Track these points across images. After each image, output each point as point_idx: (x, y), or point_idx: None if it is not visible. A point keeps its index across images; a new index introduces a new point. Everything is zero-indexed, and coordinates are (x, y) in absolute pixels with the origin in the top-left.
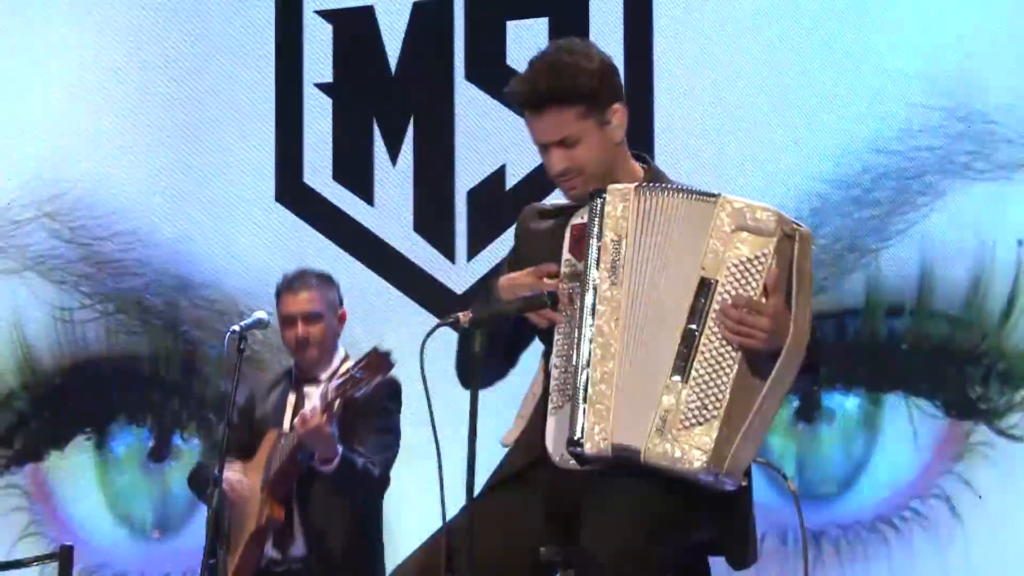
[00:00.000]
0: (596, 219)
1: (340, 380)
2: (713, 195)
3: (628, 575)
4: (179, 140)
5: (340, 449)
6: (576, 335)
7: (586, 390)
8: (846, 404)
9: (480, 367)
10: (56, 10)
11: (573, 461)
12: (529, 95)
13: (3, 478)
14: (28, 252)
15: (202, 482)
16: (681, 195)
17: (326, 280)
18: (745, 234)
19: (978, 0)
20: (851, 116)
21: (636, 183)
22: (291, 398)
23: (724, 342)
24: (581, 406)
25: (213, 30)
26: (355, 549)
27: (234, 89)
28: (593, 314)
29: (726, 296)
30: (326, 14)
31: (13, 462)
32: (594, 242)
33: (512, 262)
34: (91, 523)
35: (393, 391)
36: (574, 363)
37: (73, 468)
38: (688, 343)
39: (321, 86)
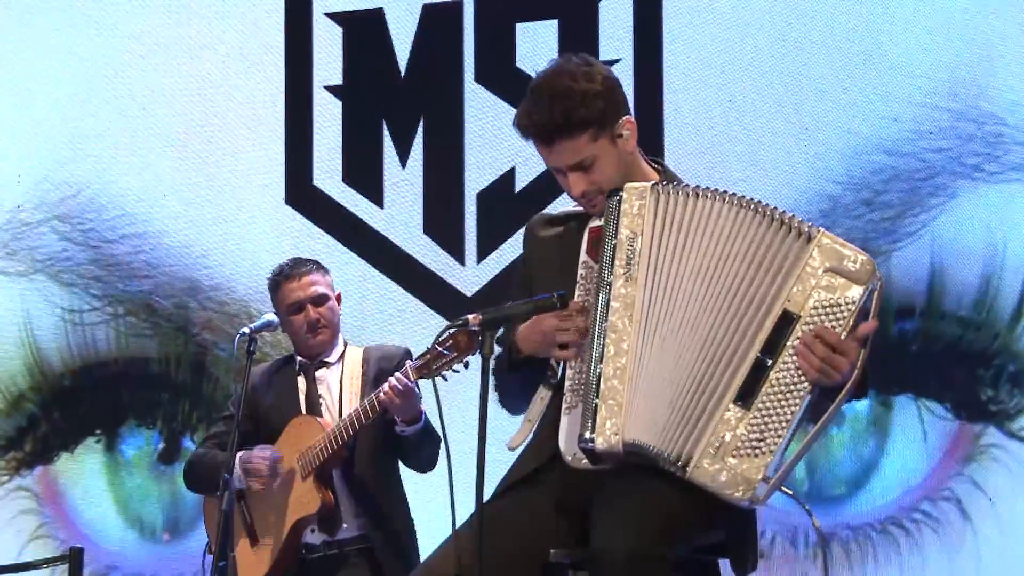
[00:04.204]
0: (612, 217)
1: (422, 361)
2: (813, 230)
3: (637, 574)
4: (189, 143)
5: (423, 408)
6: (591, 333)
7: (599, 386)
8: (856, 406)
9: (495, 366)
10: (65, 14)
11: (586, 461)
12: (537, 130)
13: (13, 480)
14: (38, 254)
15: (198, 476)
16: (738, 208)
17: (320, 265)
18: (836, 276)
19: (989, 2)
20: (862, 117)
21: (652, 182)
22: (300, 384)
23: (797, 378)
24: (593, 402)
25: (222, 33)
26: (396, 526)
27: (244, 91)
28: (607, 310)
29: (807, 333)
30: (336, 16)
31: (23, 464)
32: (609, 239)
33: (524, 275)
34: (101, 525)
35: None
36: (588, 360)
37: (83, 470)
38: (758, 372)
39: (331, 88)
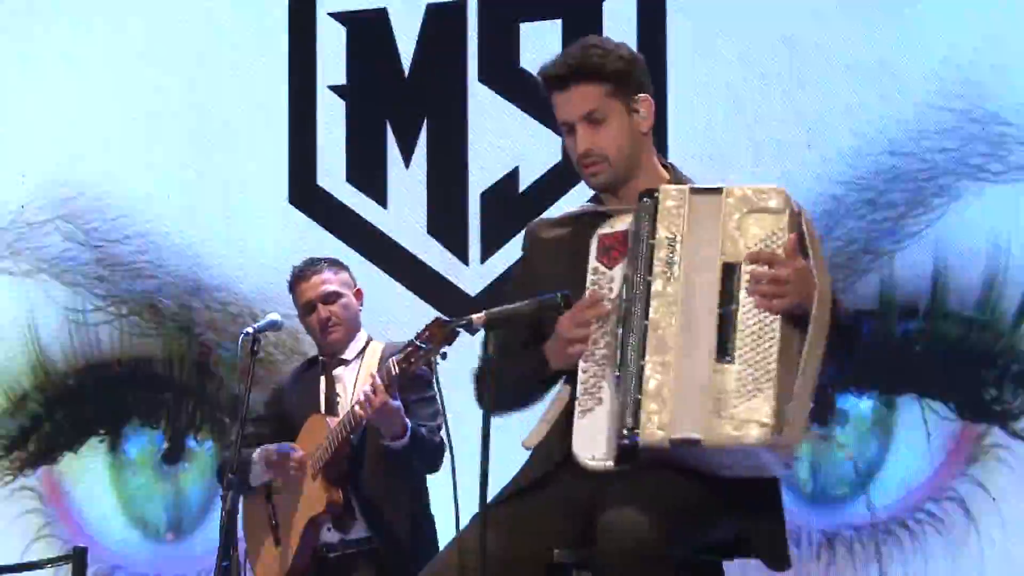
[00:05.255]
0: (648, 217)
1: (402, 355)
2: (718, 187)
3: (640, 573)
4: (193, 142)
5: (409, 422)
6: (618, 333)
7: (640, 381)
8: (860, 406)
9: (496, 371)
10: (70, 14)
11: (607, 463)
12: (557, 70)
13: (17, 480)
14: (42, 254)
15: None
16: (697, 194)
17: (335, 263)
18: (757, 215)
19: (992, 2)
20: (865, 118)
21: (689, 185)
22: (321, 383)
23: (761, 316)
24: (635, 397)
25: (227, 33)
26: (409, 525)
27: (248, 91)
28: (647, 308)
29: (754, 270)
30: (339, 16)
31: (27, 464)
32: (645, 239)
33: (524, 279)
34: (105, 525)
35: None
36: (622, 358)
37: (87, 470)
38: (725, 326)
39: (335, 88)
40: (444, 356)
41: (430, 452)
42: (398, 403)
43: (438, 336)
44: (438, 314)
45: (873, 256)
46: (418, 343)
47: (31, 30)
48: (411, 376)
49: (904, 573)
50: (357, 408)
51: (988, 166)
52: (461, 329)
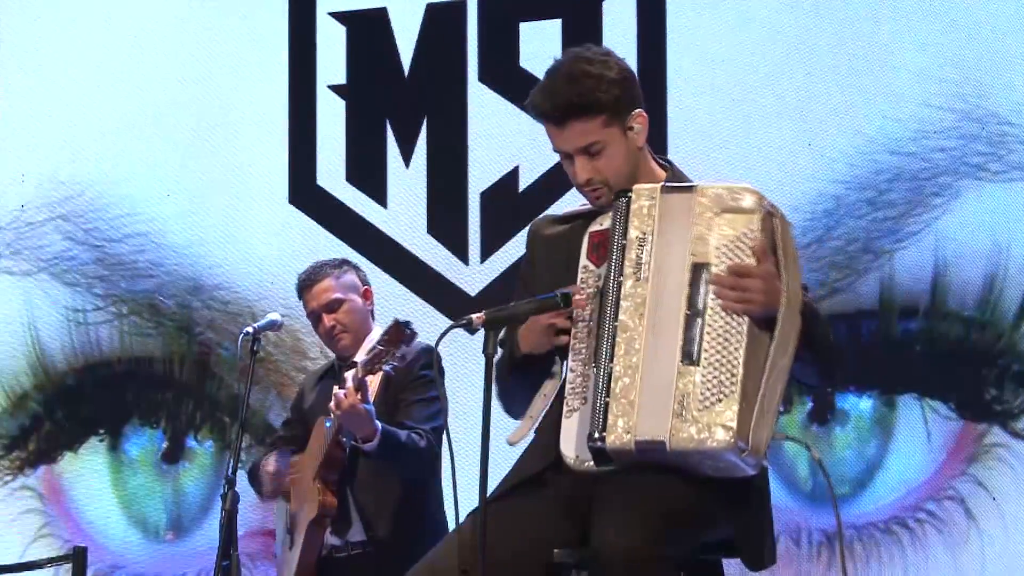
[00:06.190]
0: (621, 217)
1: (367, 357)
2: (691, 185)
3: (638, 574)
4: (192, 142)
5: (379, 425)
6: (596, 334)
7: (609, 385)
8: (860, 405)
9: (496, 369)
10: (70, 14)
11: (589, 463)
12: (550, 109)
13: (17, 480)
14: (42, 254)
15: (252, 483)
16: (670, 192)
17: (339, 265)
18: (729, 215)
19: (992, 2)
20: (865, 118)
21: (661, 184)
22: (335, 387)
23: (728, 319)
24: (604, 400)
25: (227, 32)
26: (408, 529)
27: (247, 91)
28: (616, 309)
29: (720, 274)
30: (339, 16)
31: (27, 464)
32: (618, 239)
33: (527, 276)
34: (105, 524)
35: (427, 360)
36: (595, 360)
37: (87, 470)
38: (691, 327)
39: (334, 88)
40: (404, 357)
41: (410, 456)
42: (368, 406)
43: (395, 337)
44: (438, 314)
45: (873, 256)
46: (379, 345)
47: (31, 31)
48: (388, 377)
49: (904, 573)
50: (331, 407)
51: (988, 166)
52: (460, 328)
